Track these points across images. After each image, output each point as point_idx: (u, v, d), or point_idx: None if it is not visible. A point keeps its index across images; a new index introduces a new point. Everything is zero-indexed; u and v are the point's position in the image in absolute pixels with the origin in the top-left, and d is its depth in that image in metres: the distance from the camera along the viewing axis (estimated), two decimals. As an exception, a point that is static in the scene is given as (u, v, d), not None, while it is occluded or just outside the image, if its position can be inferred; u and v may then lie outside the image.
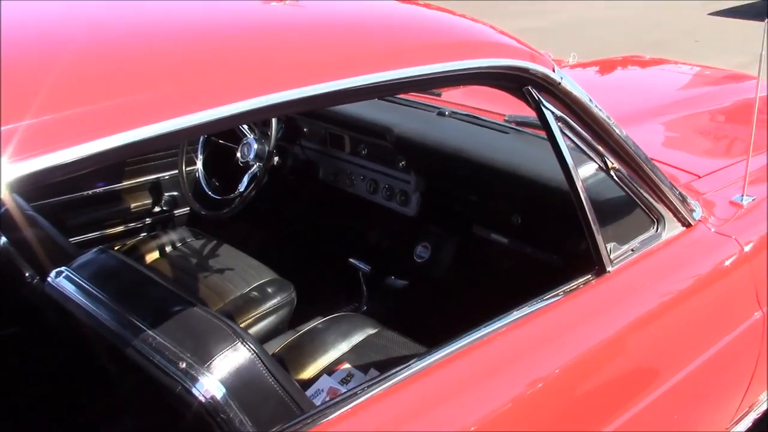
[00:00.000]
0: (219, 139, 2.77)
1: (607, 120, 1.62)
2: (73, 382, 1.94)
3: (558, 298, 1.60)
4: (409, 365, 1.35)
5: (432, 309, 2.56)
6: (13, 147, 0.89)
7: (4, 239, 1.92)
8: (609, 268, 1.66)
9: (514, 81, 1.49)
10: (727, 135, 2.65)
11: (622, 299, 1.67)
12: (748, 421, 2.09)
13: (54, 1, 1.37)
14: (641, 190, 1.72)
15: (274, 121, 2.56)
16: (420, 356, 1.38)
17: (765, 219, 1.97)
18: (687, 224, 1.82)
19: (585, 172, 1.73)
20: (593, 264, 1.66)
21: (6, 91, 0.94)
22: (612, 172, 1.68)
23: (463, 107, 2.51)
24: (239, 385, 1.33)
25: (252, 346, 1.37)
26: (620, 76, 3.44)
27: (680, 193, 1.81)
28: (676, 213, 1.79)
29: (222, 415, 1.27)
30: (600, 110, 1.61)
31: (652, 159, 1.75)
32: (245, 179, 2.61)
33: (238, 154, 2.64)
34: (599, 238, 1.62)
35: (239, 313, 2.26)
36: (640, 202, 1.74)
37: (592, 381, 1.59)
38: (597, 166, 1.68)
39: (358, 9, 1.56)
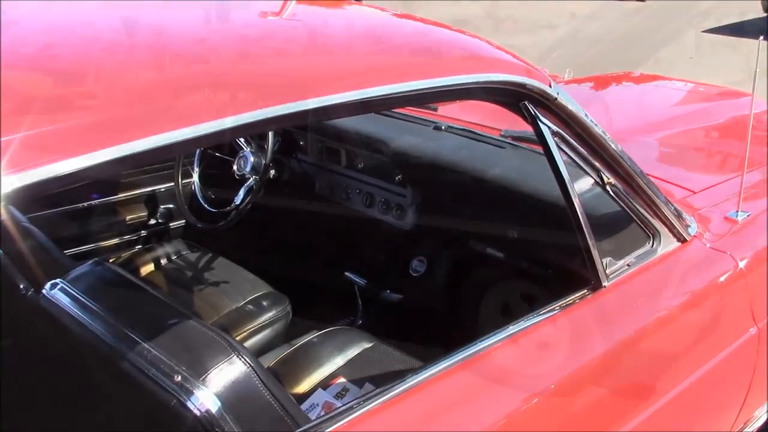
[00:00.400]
0: (215, 152, 2.77)
1: (603, 135, 1.63)
2: (66, 395, 1.93)
3: (554, 312, 1.60)
4: (405, 380, 1.35)
5: (427, 323, 2.56)
6: (9, 158, 0.89)
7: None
8: (605, 283, 1.66)
9: (511, 96, 1.50)
10: (721, 151, 2.66)
11: (618, 314, 1.68)
12: (743, 438, 2.09)
13: (55, 8, 1.37)
14: (637, 206, 1.73)
15: (270, 134, 2.56)
16: (415, 371, 1.38)
17: (760, 234, 1.98)
18: (682, 239, 1.83)
19: (581, 186, 1.74)
20: (589, 279, 1.66)
21: (3, 102, 0.94)
22: (608, 187, 1.69)
23: (459, 122, 2.52)
24: (234, 398, 1.32)
25: (247, 360, 1.36)
26: (615, 92, 3.46)
27: (676, 209, 1.82)
28: (671, 228, 1.80)
29: (217, 429, 1.27)
30: (596, 125, 1.62)
31: (647, 174, 1.75)
32: (241, 192, 2.61)
33: (235, 167, 2.64)
34: (595, 253, 1.62)
35: (234, 326, 2.25)
36: (635, 217, 1.75)
37: (587, 396, 1.59)
38: (593, 181, 1.69)
39: (354, 24, 1.56)
